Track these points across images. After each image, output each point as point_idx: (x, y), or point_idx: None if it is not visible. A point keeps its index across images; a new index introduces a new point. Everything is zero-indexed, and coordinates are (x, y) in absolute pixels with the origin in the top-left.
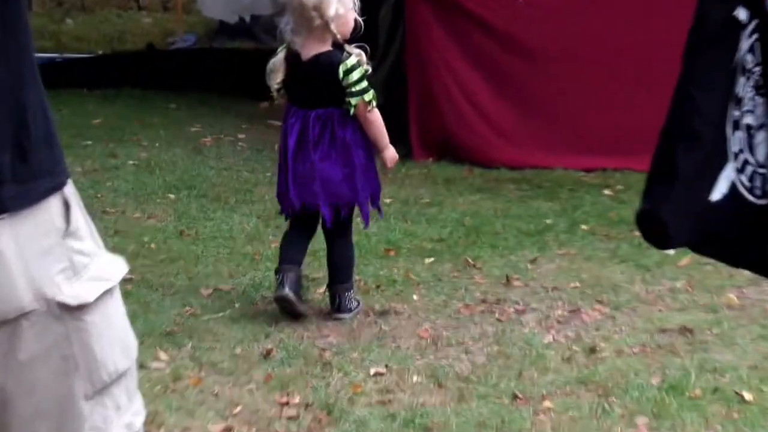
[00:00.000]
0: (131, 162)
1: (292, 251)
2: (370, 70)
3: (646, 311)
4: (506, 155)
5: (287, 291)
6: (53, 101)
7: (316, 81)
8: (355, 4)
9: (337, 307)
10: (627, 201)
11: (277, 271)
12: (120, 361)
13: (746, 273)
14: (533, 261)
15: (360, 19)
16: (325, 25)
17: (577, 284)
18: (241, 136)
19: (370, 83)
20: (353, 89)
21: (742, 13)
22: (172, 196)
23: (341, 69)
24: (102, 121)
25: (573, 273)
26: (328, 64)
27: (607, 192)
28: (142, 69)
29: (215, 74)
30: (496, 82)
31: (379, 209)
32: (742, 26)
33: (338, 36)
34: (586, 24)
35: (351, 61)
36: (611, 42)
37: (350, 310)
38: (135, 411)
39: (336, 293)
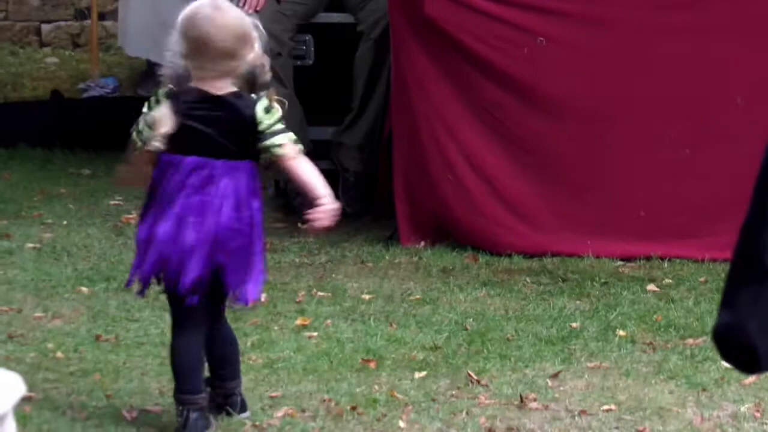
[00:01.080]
0: (30, 245)
1: None
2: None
3: None
4: (521, 239)
5: None
6: None
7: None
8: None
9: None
10: (677, 299)
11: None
12: None
13: None
14: (555, 376)
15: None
16: (237, 67)
17: (612, 407)
18: None
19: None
20: (274, 129)
21: None
22: (84, 289)
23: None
24: None
25: (607, 393)
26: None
27: (651, 287)
28: (45, 122)
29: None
30: (508, 144)
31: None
32: None
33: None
34: (627, 72)
35: (268, 101)
36: (659, 96)
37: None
38: None
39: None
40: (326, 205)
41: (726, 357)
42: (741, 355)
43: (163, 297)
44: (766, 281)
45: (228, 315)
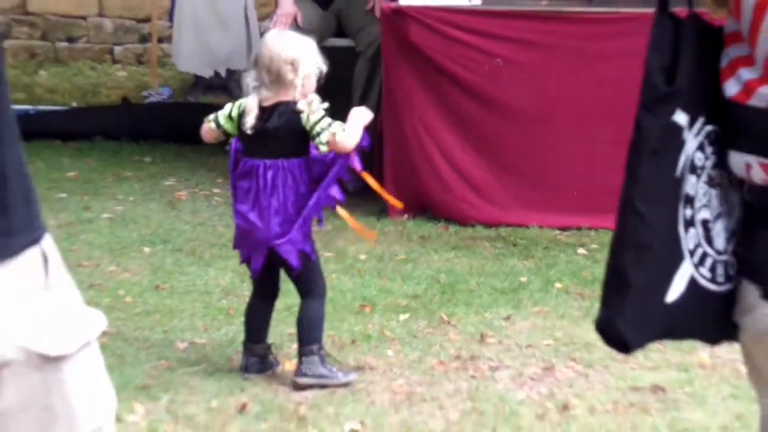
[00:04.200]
0: (106, 215)
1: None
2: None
3: (618, 369)
4: (481, 213)
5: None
6: (27, 153)
7: (276, 129)
8: (318, 66)
9: (296, 370)
10: (601, 260)
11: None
12: (98, 413)
13: None
14: (507, 318)
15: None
16: (293, 82)
17: (551, 342)
18: (216, 190)
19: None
20: (317, 127)
21: (681, 118)
22: (147, 249)
23: (303, 116)
24: (76, 174)
25: (547, 331)
26: (286, 111)
27: (581, 251)
28: (117, 122)
29: (190, 128)
30: (473, 140)
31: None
32: (684, 129)
33: (301, 94)
34: (562, 86)
35: (310, 104)
36: (585, 104)
37: (305, 375)
38: None
39: (298, 355)
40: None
41: (606, 343)
42: (615, 343)
43: (207, 256)
44: (627, 290)
45: None
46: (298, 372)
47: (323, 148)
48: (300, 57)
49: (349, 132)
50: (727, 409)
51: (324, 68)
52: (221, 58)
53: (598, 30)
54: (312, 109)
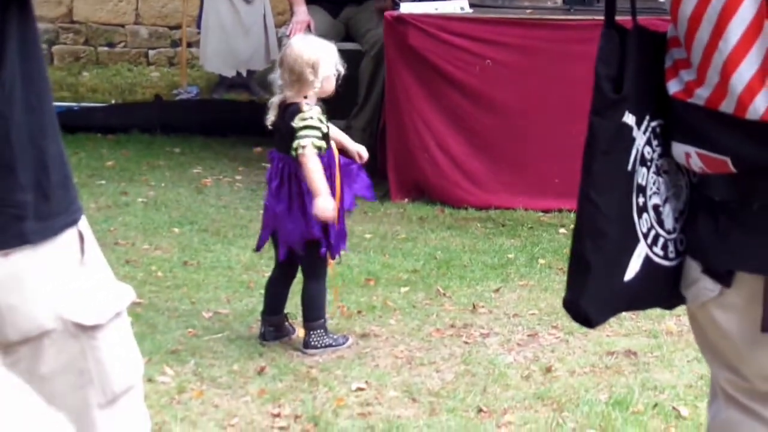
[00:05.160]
0: (140, 200)
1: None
2: (324, 127)
3: (595, 336)
4: (473, 197)
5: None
6: (71, 145)
7: (285, 127)
8: (337, 68)
9: (304, 343)
10: None
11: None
12: (129, 375)
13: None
14: (497, 291)
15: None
16: (313, 83)
17: (535, 311)
18: (237, 177)
19: (315, 132)
20: (297, 134)
21: (630, 119)
22: (176, 230)
23: (297, 117)
24: (114, 163)
25: (532, 302)
26: (292, 112)
27: (562, 230)
28: (150, 117)
29: (215, 122)
30: (465, 133)
31: (332, 248)
32: (633, 128)
33: (319, 93)
34: (543, 85)
35: (307, 113)
36: (564, 101)
37: (315, 347)
38: (141, 421)
39: (305, 330)
40: (315, 203)
41: (572, 319)
42: (580, 320)
43: (230, 235)
44: (588, 273)
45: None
46: (307, 344)
47: (293, 153)
48: (321, 59)
49: (309, 171)
50: (692, 370)
51: (342, 70)
52: (243, 60)
53: (576, 35)
54: (306, 116)
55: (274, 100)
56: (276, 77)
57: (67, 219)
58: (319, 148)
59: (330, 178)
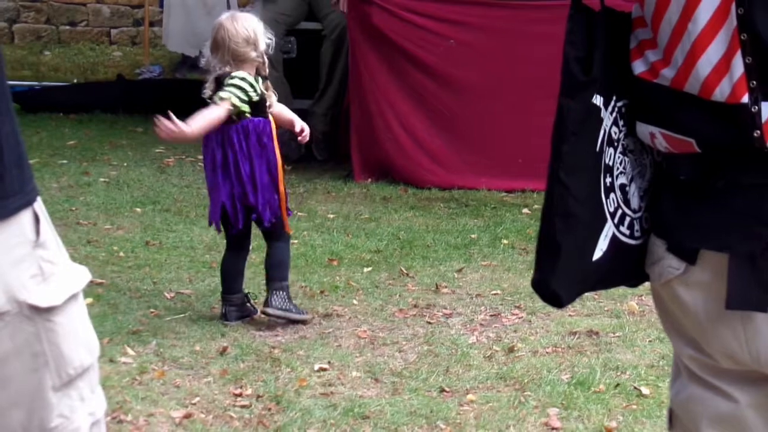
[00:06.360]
0: (102, 179)
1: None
2: (253, 94)
3: (558, 316)
4: (437, 177)
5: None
6: (33, 124)
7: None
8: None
9: (266, 301)
10: None
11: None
12: (84, 357)
13: (646, 284)
14: (460, 271)
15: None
16: (255, 58)
17: (498, 292)
18: (200, 157)
19: (239, 92)
20: (222, 88)
21: (598, 100)
22: (138, 210)
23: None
24: (76, 143)
25: (495, 282)
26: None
27: (525, 211)
28: (112, 96)
29: (178, 101)
30: (429, 113)
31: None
32: (601, 109)
33: (261, 68)
34: (506, 64)
35: (238, 74)
36: (526, 80)
37: (277, 308)
38: (97, 402)
39: (267, 290)
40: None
41: (541, 299)
42: (549, 299)
43: (192, 215)
44: (557, 253)
45: None
46: (268, 303)
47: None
48: (258, 33)
49: (205, 112)
50: (653, 350)
51: (271, 41)
52: (205, 39)
53: (538, 15)
54: (236, 75)
55: (212, 76)
56: (214, 61)
57: (21, 200)
58: (239, 111)
59: (260, 147)
